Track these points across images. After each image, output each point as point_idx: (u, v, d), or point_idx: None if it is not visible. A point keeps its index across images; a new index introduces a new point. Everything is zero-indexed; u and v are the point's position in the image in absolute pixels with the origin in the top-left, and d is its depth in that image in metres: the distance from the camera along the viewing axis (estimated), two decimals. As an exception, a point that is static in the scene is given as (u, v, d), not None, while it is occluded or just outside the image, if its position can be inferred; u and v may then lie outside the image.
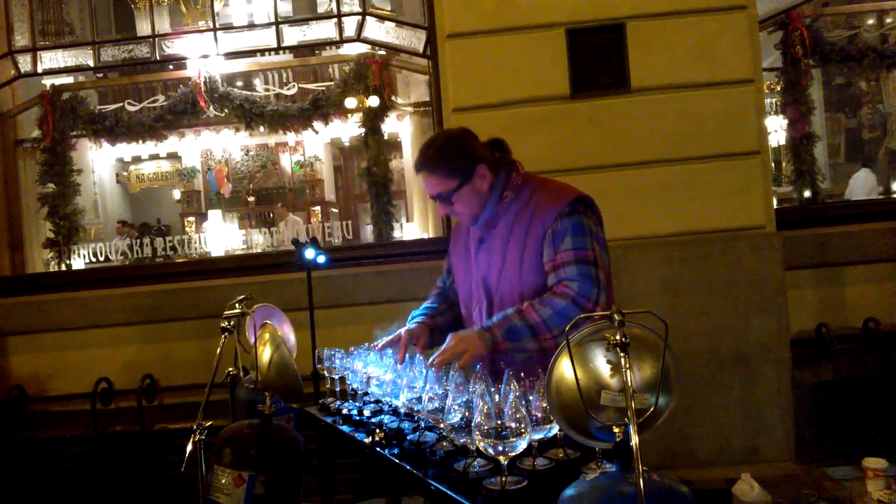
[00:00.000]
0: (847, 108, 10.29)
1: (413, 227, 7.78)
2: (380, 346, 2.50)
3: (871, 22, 6.66)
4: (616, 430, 1.49)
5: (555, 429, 1.80)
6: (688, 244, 4.65)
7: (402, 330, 2.54)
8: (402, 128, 8.51)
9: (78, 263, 6.38)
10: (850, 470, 4.27)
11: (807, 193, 5.70)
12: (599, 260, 2.28)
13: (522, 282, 2.34)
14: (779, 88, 6.18)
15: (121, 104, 6.90)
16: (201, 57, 6.09)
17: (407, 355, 2.37)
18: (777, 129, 8.39)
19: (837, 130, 10.33)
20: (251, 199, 11.68)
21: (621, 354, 1.39)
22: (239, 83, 6.88)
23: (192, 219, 11.08)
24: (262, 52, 6.31)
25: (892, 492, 3.09)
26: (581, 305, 2.19)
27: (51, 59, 6.00)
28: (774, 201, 5.04)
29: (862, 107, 10.21)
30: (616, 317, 1.41)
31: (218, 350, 2.37)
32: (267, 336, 2.46)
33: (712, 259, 4.63)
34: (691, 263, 4.63)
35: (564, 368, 1.55)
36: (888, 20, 6.69)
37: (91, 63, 6.02)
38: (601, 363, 1.51)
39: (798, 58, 5.53)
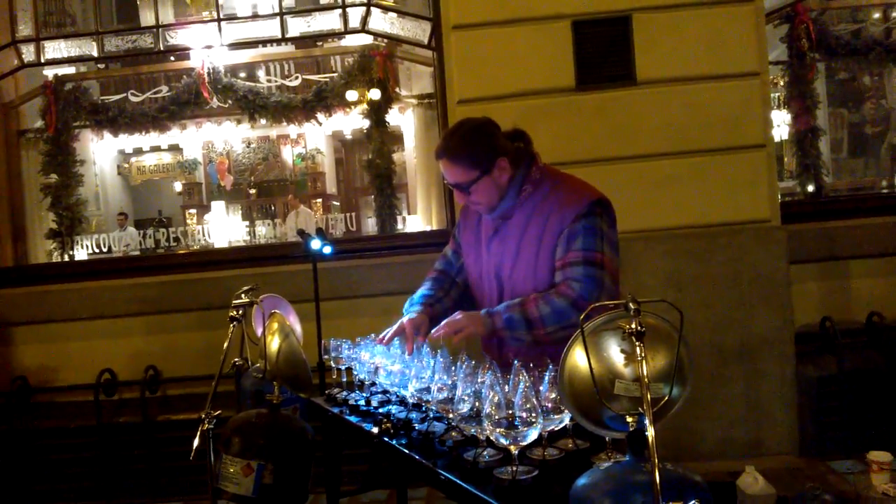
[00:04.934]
0: (850, 103, 10.25)
1: (416, 220, 7.78)
2: (386, 339, 2.48)
3: (876, 16, 6.64)
4: (629, 419, 1.48)
5: (566, 418, 1.79)
6: (692, 237, 4.65)
7: (404, 319, 2.52)
8: (404, 120, 8.51)
9: (80, 254, 6.38)
10: (854, 463, 4.28)
11: (811, 188, 5.69)
12: (607, 262, 2.31)
13: (536, 276, 2.38)
14: (782, 83, 6.17)
15: (124, 95, 6.90)
16: (205, 47, 6.08)
17: (415, 345, 2.37)
18: (780, 124, 8.37)
19: (840, 125, 10.30)
20: (252, 191, 11.68)
21: (637, 344, 1.38)
22: (242, 74, 6.87)
23: (193, 211, 11.10)
24: (266, 42, 6.29)
25: (897, 485, 3.09)
26: (580, 307, 2.22)
27: (54, 49, 5.98)
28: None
29: (865, 102, 10.18)
30: (631, 305, 1.41)
31: (227, 339, 2.37)
32: (275, 325, 2.46)
33: (717, 252, 4.62)
34: (696, 257, 4.62)
35: (577, 358, 1.54)
36: (894, 14, 6.67)
37: (94, 53, 6.00)
38: (615, 352, 1.51)
39: (804, 51, 5.51)
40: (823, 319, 4.90)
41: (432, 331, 2.33)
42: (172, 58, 6.75)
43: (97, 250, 6.53)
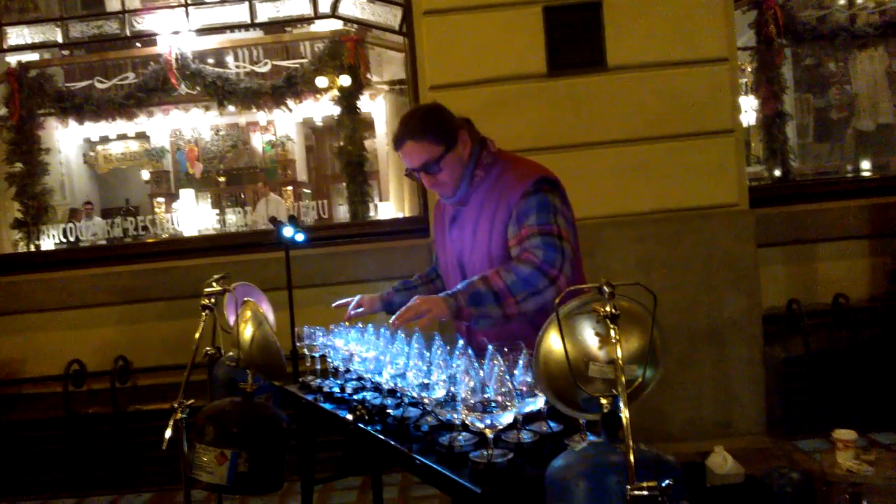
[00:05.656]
0: (816, 89, 10.39)
1: (388, 207, 7.76)
2: (335, 304, 2.73)
3: (842, 2, 6.72)
4: (603, 401, 1.50)
5: (540, 401, 1.81)
6: (662, 222, 4.69)
7: (358, 296, 2.70)
8: (375, 106, 8.47)
9: (47, 244, 6.27)
10: (820, 442, 4.37)
11: (778, 172, 5.77)
12: (564, 234, 2.27)
13: (492, 261, 2.35)
14: (749, 69, 6.23)
15: (89, 82, 6.78)
16: (172, 33, 5.99)
17: (388, 332, 2.36)
18: (747, 110, 8.46)
19: (806, 111, 10.44)
20: (222, 179, 11.55)
21: (612, 326, 1.40)
22: (210, 60, 6.78)
23: (161, 199, 10.94)
24: (235, 28, 6.21)
25: (861, 462, 3.16)
26: (545, 272, 2.18)
27: (17, 35, 5.85)
28: (745, 180, 5.09)
29: (830, 87, 10.33)
30: (606, 289, 1.42)
31: (199, 327, 2.36)
32: (249, 313, 2.44)
33: (686, 237, 4.67)
34: (666, 241, 4.67)
35: (552, 341, 1.55)
36: (859, 0, 6.76)
37: (59, 39, 5.88)
38: (589, 335, 1.52)
39: (771, 37, 5.57)
40: (790, 301, 4.98)
41: (391, 318, 2.23)
42: (139, 44, 6.64)
43: (64, 240, 6.42)
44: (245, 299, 2.54)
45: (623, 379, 1.38)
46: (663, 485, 1.27)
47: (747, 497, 3.40)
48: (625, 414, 1.35)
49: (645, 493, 1.26)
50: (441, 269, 2.70)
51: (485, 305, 2.18)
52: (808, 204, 5.22)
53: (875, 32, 6.03)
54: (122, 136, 11.01)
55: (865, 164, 8.42)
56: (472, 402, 1.70)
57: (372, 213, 6.46)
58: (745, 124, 7.73)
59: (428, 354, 2.01)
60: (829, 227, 5.14)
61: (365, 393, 2.41)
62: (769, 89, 5.70)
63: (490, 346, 1.78)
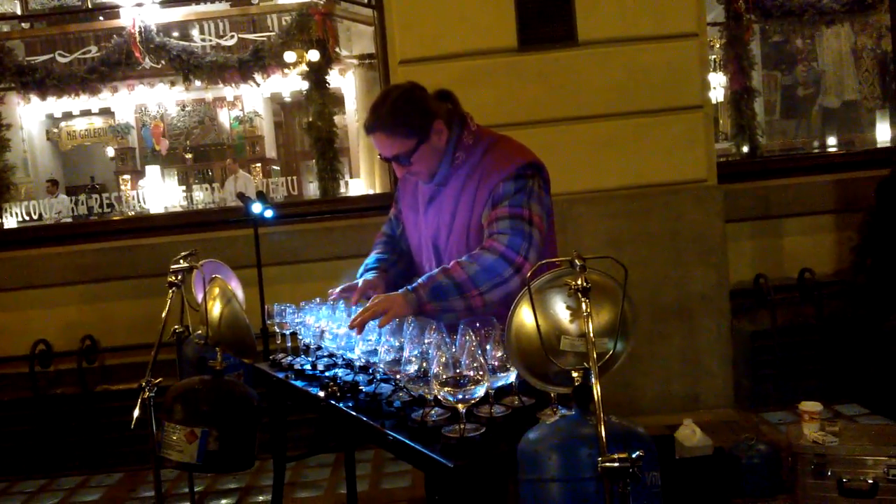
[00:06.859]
0: (783, 66, 10.51)
1: (359, 183, 7.71)
2: (335, 294, 2.41)
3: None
4: (575, 374, 1.51)
5: (512, 375, 1.81)
6: (632, 198, 4.71)
7: (359, 280, 2.45)
8: (345, 81, 8.38)
9: (10, 222, 6.15)
10: (786, 414, 4.45)
11: (745, 148, 5.82)
12: (535, 219, 2.21)
13: (469, 245, 2.29)
14: (718, 46, 6.25)
15: (51, 55, 6.62)
16: (135, 5, 5.86)
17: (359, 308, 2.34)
18: (715, 86, 8.52)
19: (774, 87, 10.55)
20: (188, 156, 11.40)
21: (583, 300, 1.40)
22: (175, 33, 6.64)
23: (127, 176, 10.79)
24: (200, 0, 6.09)
25: (826, 433, 3.22)
26: (509, 258, 2.12)
27: (-27, 6, 5.70)
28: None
29: (797, 64, 10.45)
30: (577, 262, 1.42)
31: (166, 305, 2.32)
32: (217, 290, 2.41)
33: (655, 212, 4.69)
34: (635, 217, 4.69)
35: (524, 315, 1.56)
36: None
37: (18, 11, 5.73)
38: (560, 309, 1.52)
39: (741, 13, 5.60)
40: (757, 276, 5.04)
41: (350, 320, 2.17)
42: (101, 16, 6.49)
43: (27, 218, 6.30)
44: (213, 276, 2.50)
45: (594, 352, 1.38)
46: (634, 456, 1.28)
47: (716, 468, 3.46)
48: (596, 387, 1.35)
49: (616, 464, 1.27)
50: (412, 245, 2.59)
51: (447, 299, 2.12)
52: (775, 180, 5.27)
53: (841, 10, 6.08)
54: (86, 112, 10.83)
55: (831, 140, 8.54)
56: (444, 377, 1.69)
57: (343, 190, 6.39)
58: (713, 100, 7.80)
59: (400, 331, 2.00)
60: (795, 203, 5.20)
61: (337, 370, 2.39)
62: (737, 65, 5.72)
63: (462, 322, 1.78)
